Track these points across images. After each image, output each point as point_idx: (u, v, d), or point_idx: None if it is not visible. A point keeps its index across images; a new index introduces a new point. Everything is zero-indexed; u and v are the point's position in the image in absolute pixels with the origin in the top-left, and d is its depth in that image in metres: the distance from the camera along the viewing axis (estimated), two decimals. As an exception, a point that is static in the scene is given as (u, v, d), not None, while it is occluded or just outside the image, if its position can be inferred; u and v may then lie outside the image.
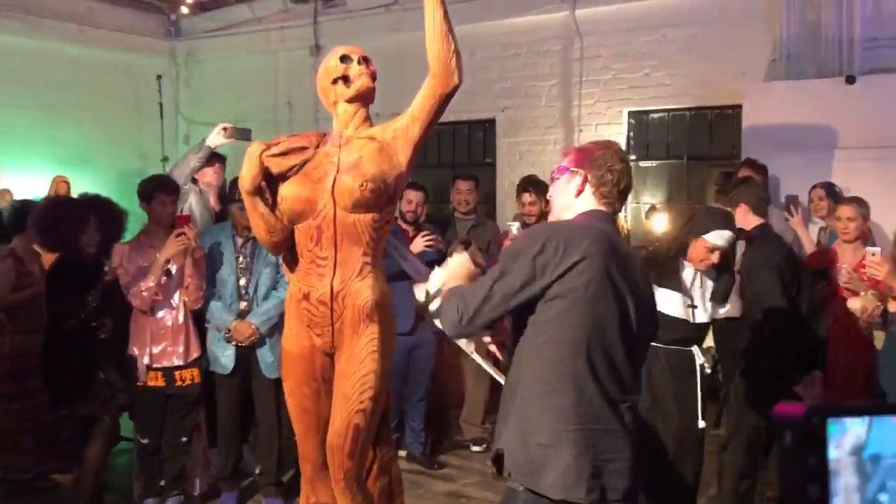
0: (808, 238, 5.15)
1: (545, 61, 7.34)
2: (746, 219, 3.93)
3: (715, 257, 3.45)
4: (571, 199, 2.41)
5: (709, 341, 4.07)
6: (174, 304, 4.32)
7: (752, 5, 6.33)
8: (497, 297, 2.22)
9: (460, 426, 5.78)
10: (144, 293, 4.19)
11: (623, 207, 2.64)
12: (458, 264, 2.47)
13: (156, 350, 4.28)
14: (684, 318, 3.54)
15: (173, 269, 4.25)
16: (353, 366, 2.86)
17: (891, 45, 5.80)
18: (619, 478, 2.21)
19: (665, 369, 3.57)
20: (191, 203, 5.00)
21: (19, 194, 6.89)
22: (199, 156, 4.80)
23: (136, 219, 4.58)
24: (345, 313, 2.87)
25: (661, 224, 5.56)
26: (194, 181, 5.05)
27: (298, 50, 8.50)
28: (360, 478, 2.95)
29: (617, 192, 2.39)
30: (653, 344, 3.49)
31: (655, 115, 7.06)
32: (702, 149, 6.90)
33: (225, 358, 4.39)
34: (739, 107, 6.17)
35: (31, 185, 7.36)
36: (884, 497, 1.04)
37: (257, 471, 4.74)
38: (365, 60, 2.93)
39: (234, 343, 4.37)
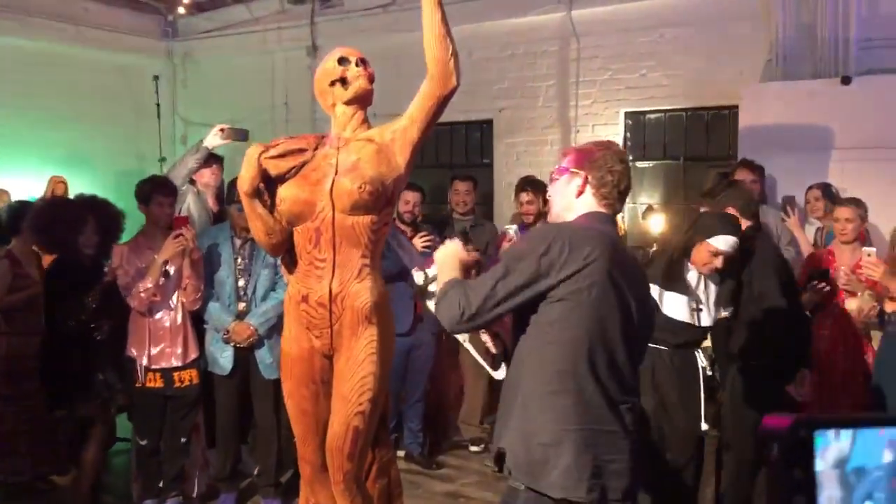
0: (805, 239, 5.16)
1: (542, 62, 7.34)
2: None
3: (718, 262, 3.44)
4: (572, 200, 2.42)
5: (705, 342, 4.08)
6: (172, 306, 4.32)
7: (747, 6, 6.34)
8: (500, 296, 2.23)
9: (458, 426, 5.79)
10: (143, 294, 4.19)
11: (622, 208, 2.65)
12: (450, 250, 2.47)
13: (154, 351, 4.29)
14: (690, 321, 3.54)
15: (171, 270, 4.25)
16: (352, 368, 2.87)
17: (886, 45, 5.81)
18: (619, 478, 2.23)
19: (670, 372, 3.58)
20: (189, 204, 5.00)
21: (16, 195, 6.88)
22: (197, 157, 4.80)
23: (134, 220, 4.58)
24: (343, 315, 2.88)
25: (657, 224, 5.60)
26: (192, 182, 5.06)
27: (295, 50, 8.49)
28: (360, 479, 2.96)
29: (617, 193, 2.40)
30: (658, 347, 3.53)
31: (652, 116, 7.07)
32: (698, 149, 6.90)
33: (223, 359, 4.40)
34: (736, 107, 6.18)
35: (28, 185, 7.35)
36: None
37: (256, 471, 4.75)
38: (363, 62, 2.94)
39: (232, 344, 4.38)
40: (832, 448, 1.02)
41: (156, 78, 8.60)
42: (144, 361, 4.27)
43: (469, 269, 2.48)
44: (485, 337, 2.60)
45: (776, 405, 4.53)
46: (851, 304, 4.27)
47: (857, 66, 5.77)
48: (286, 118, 8.58)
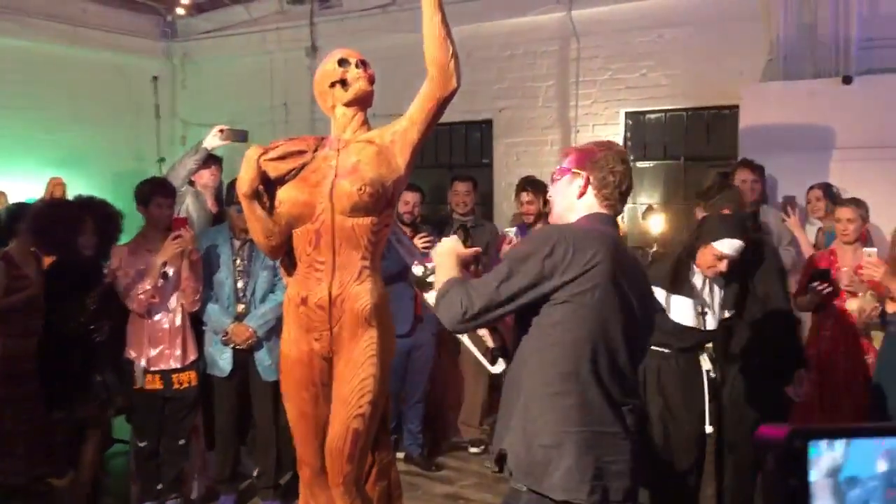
0: (805, 239, 5.15)
1: (542, 62, 7.33)
2: None
3: (723, 265, 3.43)
4: (573, 201, 2.41)
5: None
6: (171, 307, 4.31)
7: (748, 6, 6.33)
8: (503, 297, 2.22)
9: (458, 427, 5.78)
10: (141, 296, 4.18)
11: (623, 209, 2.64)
12: (447, 247, 2.45)
13: (153, 353, 4.28)
14: (696, 325, 3.53)
15: (170, 271, 4.24)
16: (352, 370, 2.86)
17: (887, 45, 5.80)
18: (620, 478, 2.23)
19: (675, 375, 3.57)
20: (188, 205, 5.00)
21: (14, 197, 6.86)
22: (196, 158, 4.79)
23: (133, 220, 4.57)
24: (343, 317, 2.87)
25: (657, 224, 5.59)
26: (191, 183, 5.05)
27: (295, 51, 8.47)
28: (359, 482, 2.95)
29: (619, 193, 2.39)
30: (663, 350, 3.52)
31: (652, 116, 7.06)
32: (699, 149, 6.89)
33: (223, 361, 4.39)
34: (736, 107, 6.16)
35: (27, 187, 7.33)
36: None
37: (255, 473, 4.74)
38: (363, 64, 2.93)
39: (231, 346, 4.37)
40: (825, 457, 1.02)
41: (155, 79, 8.60)
42: (143, 363, 4.26)
43: (468, 265, 2.47)
44: (482, 332, 2.59)
45: (776, 405, 4.54)
46: (852, 305, 4.26)
47: (857, 66, 5.76)
48: (285, 119, 8.57)
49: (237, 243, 4.43)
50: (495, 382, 5.44)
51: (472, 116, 7.44)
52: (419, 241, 4.91)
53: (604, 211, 2.39)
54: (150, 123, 8.49)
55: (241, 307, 4.39)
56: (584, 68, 7.11)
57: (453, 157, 8.10)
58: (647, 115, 7.07)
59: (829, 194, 5.12)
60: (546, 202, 5.33)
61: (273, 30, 8.62)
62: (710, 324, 3.58)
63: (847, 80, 5.58)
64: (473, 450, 5.58)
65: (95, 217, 4.29)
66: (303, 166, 2.90)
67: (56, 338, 4.20)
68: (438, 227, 5.68)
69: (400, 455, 5.11)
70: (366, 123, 2.97)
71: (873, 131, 5.44)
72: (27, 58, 8.02)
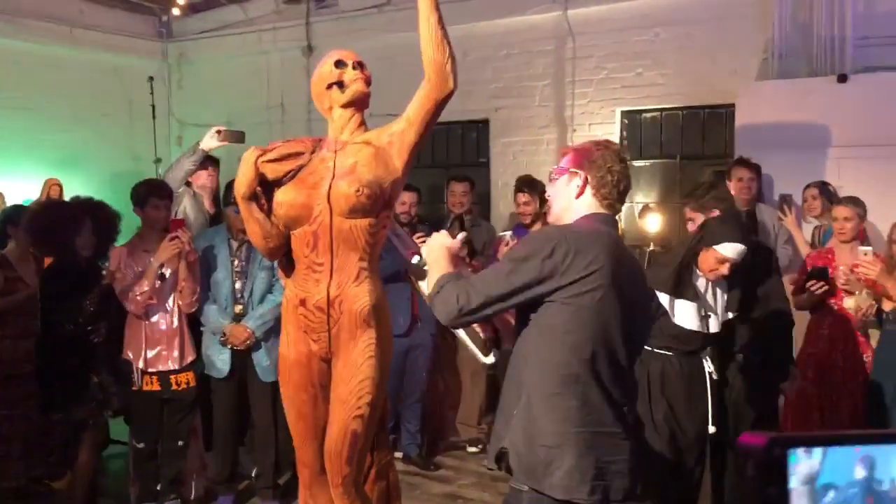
0: (802, 237, 5.17)
1: (538, 61, 7.33)
2: None
3: (725, 269, 3.43)
4: (572, 201, 2.42)
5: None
6: (169, 308, 4.31)
7: (743, 4, 6.34)
8: (498, 295, 2.24)
9: (456, 427, 5.79)
10: (139, 297, 4.18)
11: (621, 208, 2.64)
12: (437, 242, 2.46)
13: (151, 354, 4.28)
14: (700, 329, 3.52)
15: (167, 272, 4.24)
16: (351, 371, 2.86)
17: (882, 43, 5.82)
18: (621, 478, 2.24)
19: (680, 378, 3.55)
20: (185, 206, 5.00)
21: (11, 198, 6.85)
22: (193, 159, 4.78)
23: (130, 221, 4.57)
24: (342, 319, 2.87)
25: (654, 223, 5.59)
26: (188, 184, 5.05)
27: (291, 51, 8.47)
28: (359, 483, 2.95)
29: (617, 193, 2.40)
30: (667, 353, 3.51)
31: (648, 115, 7.06)
32: (695, 148, 6.90)
33: (221, 362, 4.39)
34: (732, 106, 6.17)
35: (23, 188, 7.33)
36: None
37: (254, 473, 4.74)
38: (359, 65, 2.93)
39: (229, 347, 4.37)
40: (802, 465, 1.03)
41: (151, 79, 8.56)
42: (141, 364, 4.26)
43: (460, 255, 2.48)
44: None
45: (773, 402, 4.56)
46: (849, 303, 4.27)
47: (853, 64, 5.77)
48: (282, 119, 8.56)
49: (235, 244, 4.43)
50: (493, 382, 5.47)
51: (469, 116, 7.43)
52: (417, 241, 4.91)
53: (603, 210, 2.40)
54: (147, 124, 8.45)
55: (238, 308, 4.40)
56: (579, 67, 7.12)
57: (450, 156, 8.10)
58: (643, 114, 7.08)
59: (826, 192, 5.13)
60: (542, 203, 5.34)
61: (269, 29, 8.61)
62: (714, 327, 3.57)
63: (842, 78, 5.60)
64: (471, 449, 5.59)
65: (94, 218, 4.29)
66: (300, 168, 2.90)
67: (54, 339, 4.19)
68: (436, 227, 5.68)
69: (398, 455, 5.11)
70: (363, 125, 2.97)
71: (869, 129, 5.45)
72: (23, 59, 8.00)
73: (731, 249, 3.39)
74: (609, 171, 2.37)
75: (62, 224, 4.20)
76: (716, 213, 3.85)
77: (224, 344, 4.37)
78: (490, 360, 2.65)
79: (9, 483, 4.32)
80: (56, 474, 4.54)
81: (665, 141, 7.04)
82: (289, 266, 3.01)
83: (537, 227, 5.34)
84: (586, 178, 2.39)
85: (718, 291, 3.59)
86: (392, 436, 5.01)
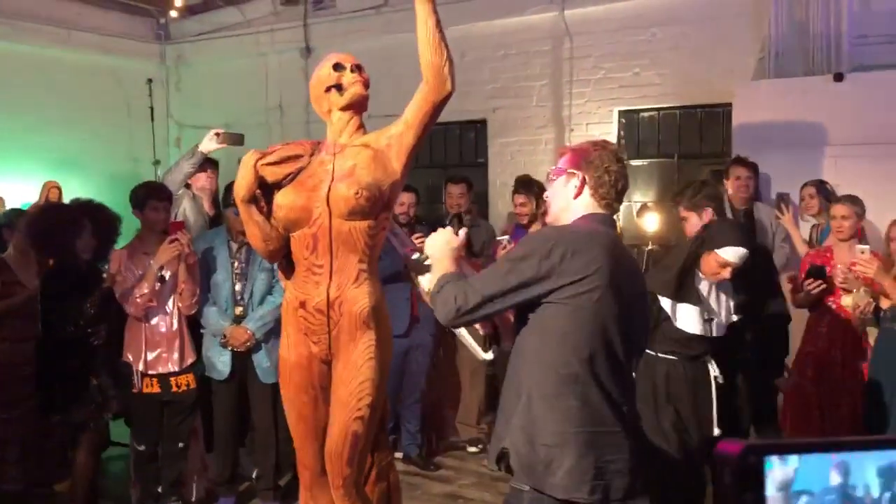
0: (799, 236, 5.18)
1: (535, 62, 7.35)
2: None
3: (726, 273, 3.42)
4: (570, 201, 2.43)
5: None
6: (169, 311, 4.32)
7: (740, 4, 6.36)
8: (496, 296, 2.25)
9: (456, 427, 5.80)
10: (139, 300, 4.19)
11: (619, 208, 2.65)
12: (441, 239, 2.47)
13: (151, 356, 4.29)
14: (703, 333, 3.51)
15: (167, 275, 4.25)
16: (351, 373, 2.87)
17: (878, 41, 5.84)
18: (621, 477, 2.26)
19: (684, 383, 3.54)
20: (184, 208, 5.01)
21: (10, 201, 6.87)
22: (192, 161, 4.79)
23: (129, 223, 4.58)
24: (341, 321, 2.88)
25: (652, 223, 5.61)
26: (188, 186, 5.06)
27: (289, 52, 8.49)
28: (359, 484, 2.96)
29: (615, 192, 2.42)
30: (671, 357, 3.51)
31: (646, 114, 7.08)
32: (692, 147, 6.92)
33: (221, 363, 4.40)
34: (729, 105, 6.19)
35: (22, 191, 7.34)
36: None
37: (254, 475, 4.75)
38: (358, 68, 2.94)
39: (229, 348, 4.38)
40: (777, 471, 1.04)
41: (149, 81, 8.59)
42: (141, 367, 4.26)
43: (461, 253, 2.49)
44: None
45: (772, 402, 4.59)
46: (847, 301, 4.28)
47: (849, 63, 5.79)
48: (280, 120, 8.58)
49: (235, 246, 4.44)
50: (493, 382, 5.48)
51: (467, 116, 7.45)
52: (415, 241, 4.91)
53: (601, 210, 2.42)
54: (145, 126, 8.48)
55: (239, 310, 4.41)
56: (577, 67, 7.13)
57: (448, 156, 8.11)
58: (641, 114, 7.10)
59: (823, 191, 5.14)
60: (538, 203, 5.36)
61: (267, 31, 8.62)
62: (718, 330, 3.56)
63: (839, 77, 5.61)
64: (471, 449, 5.60)
65: (94, 220, 4.30)
66: (299, 171, 2.91)
67: (54, 341, 4.20)
68: (434, 227, 5.68)
69: (398, 455, 5.12)
70: (362, 127, 2.98)
71: (865, 128, 5.47)
72: (21, 61, 8.01)
73: (732, 253, 3.38)
74: (607, 171, 2.39)
75: (62, 226, 4.20)
76: (709, 211, 3.86)
77: (224, 346, 4.38)
78: (489, 356, 2.66)
79: (7, 486, 4.33)
80: (54, 477, 4.54)
81: (662, 140, 7.06)
82: (288, 268, 3.02)
83: (535, 227, 5.35)
84: (584, 179, 2.40)
85: (722, 295, 3.58)
86: (392, 436, 5.03)
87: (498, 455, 2.34)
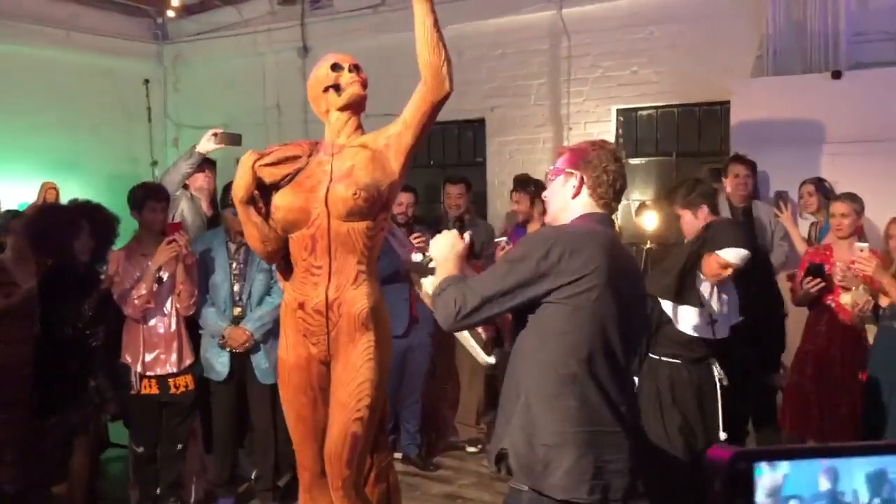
0: (798, 234, 5.17)
1: (533, 60, 7.34)
2: (708, 219, 3.92)
3: (727, 274, 3.42)
4: (568, 201, 2.43)
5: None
6: (167, 312, 4.31)
7: (737, 2, 6.35)
8: (496, 297, 2.25)
9: (455, 427, 5.79)
10: (136, 301, 4.18)
11: (618, 207, 2.65)
12: (446, 242, 2.46)
13: (149, 358, 4.28)
14: (706, 335, 3.50)
15: (165, 276, 4.24)
16: (350, 374, 2.87)
17: (876, 39, 5.84)
18: (620, 477, 2.25)
19: (689, 387, 3.52)
20: (182, 209, 5.00)
21: (7, 202, 6.85)
22: (190, 162, 4.78)
23: (127, 224, 4.57)
24: (340, 322, 2.88)
25: (650, 221, 5.60)
26: (185, 187, 5.05)
27: (286, 52, 8.48)
28: (359, 485, 2.96)
29: (613, 192, 2.42)
30: (675, 361, 3.49)
31: (644, 113, 7.08)
32: (691, 145, 6.92)
33: (220, 364, 4.40)
34: (727, 103, 6.19)
35: (20, 192, 7.33)
36: None
37: (253, 476, 4.75)
38: (356, 68, 2.94)
39: (228, 349, 4.37)
40: (766, 477, 1.04)
41: (146, 81, 8.58)
42: (139, 368, 4.26)
43: (466, 257, 2.48)
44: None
45: (772, 401, 4.59)
46: (846, 299, 4.28)
47: (847, 61, 5.79)
48: (278, 120, 8.57)
49: (233, 247, 4.44)
50: (492, 382, 5.48)
51: (465, 115, 7.45)
52: (413, 241, 4.91)
53: (599, 210, 2.42)
54: (143, 126, 8.47)
55: (237, 310, 4.40)
56: (575, 66, 7.13)
57: (446, 156, 8.11)
58: (639, 112, 7.10)
59: (821, 189, 5.13)
60: (533, 202, 5.36)
61: (264, 31, 8.61)
62: (721, 332, 3.54)
63: (837, 74, 5.61)
64: (471, 449, 5.60)
65: (91, 221, 4.29)
66: (298, 171, 2.91)
67: (53, 343, 4.19)
68: (432, 227, 5.68)
69: (397, 455, 5.12)
70: (360, 128, 2.98)
71: (863, 125, 5.46)
72: (18, 62, 7.99)
73: (734, 254, 3.37)
74: (605, 170, 2.39)
75: (60, 227, 4.20)
76: (704, 208, 3.86)
77: (223, 347, 4.37)
78: (491, 360, 2.65)
79: (4, 488, 4.32)
80: (53, 479, 4.52)
81: (661, 138, 7.05)
82: (287, 269, 3.01)
83: (534, 226, 5.35)
84: (582, 179, 2.40)
85: (724, 295, 3.56)
86: (391, 436, 5.02)
87: (497, 456, 2.34)
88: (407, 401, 5.34)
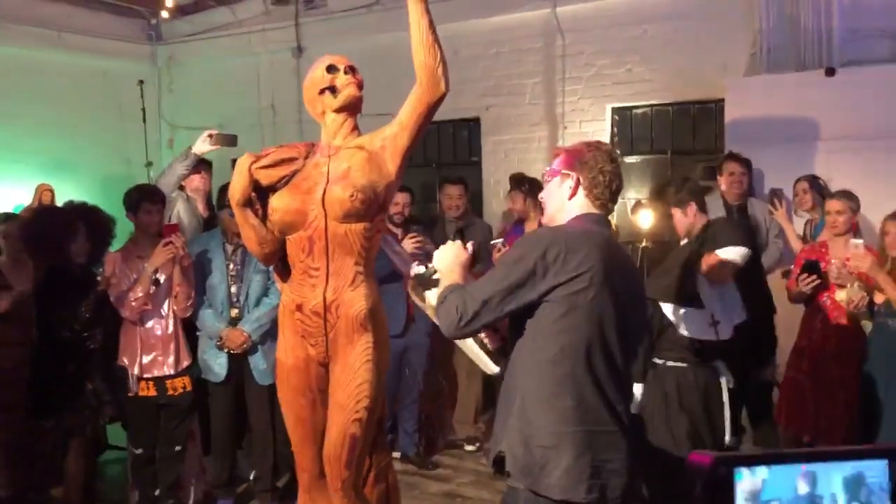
0: (793, 231, 5.19)
1: (528, 59, 7.34)
2: (696, 217, 3.94)
3: (728, 273, 3.42)
4: (564, 202, 2.44)
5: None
6: (164, 314, 4.31)
7: (730, -1, 6.38)
8: (496, 301, 2.25)
9: (453, 426, 5.80)
10: (134, 303, 4.18)
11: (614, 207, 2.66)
12: (450, 252, 2.47)
13: (146, 360, 4.28)
14: (709, 337, 3.49)
15: (162, 278, 4.24)
16: (348, 375, 2.87)
17: (869, 36, 5.84)
18: (618, 476, 2.26)
19: (695, 390, 3.52)
20: (178, 210, 5.00)
21: (2, 204, 6.83)
22: (186, 163, 4.78)
23: (123, 226, 4.57)
24: (338, 323, 2.88)
25: (646, 219, 5.62)
26: (181, 188, 5.04)
27: (281, 52, 8.46)
28: (358, 486, 2.97)
29: (609, 193, 2.43)
30: (681, 364, 3.49)
31: (638, 111, 7.08)
32: (685, 143, 6.92)
33: (217, 366, 4.40)
34: (722, 101, 6.20)
35: (15, 194, 7.31)
36: None
37: (252, 477, 4.75)
38: (351, 69, 2.94)
39: (226, 351, 4.37)
40: (746, 482, 1.06)
41: (141, 82, 8.53)
42: (136, 370, 4.25)
43: (470, 267, 2.49)
44: (481, 334, 2.60)
45: (768, 398, 4.60)
46: (841, 296, 4.29)
47: (840, 58, 5.79)
48: (273, 120, 8.55)
49: (230, 248, 4.44)
50: (489, 380, 5.49)
51: (460, 114, 7.44)
52: (410, 241, 4.92)
53: (595, 211, 2.43)
54: (137, 127, 8.42)
55: (234, 312, 4.40)
56: (569, 65, 7.13)
57: (441, 155, 8.11)
58: (634, 110, 7.10)
59: (816, 186, 5.15)
60: (526, 201, 5.37)
61: (258, 31, 8.59)
62: (725, 333, 3.53)
63: (830, 71, 5.62)
64: (469, 448, 5.61)
65: (88, 223, 4.29)
66: (294, 173, 2.91)
67: (50, 345, 4.19)
68: (429, 226, 5.69)
69: (396, 455, 5.13)
70: (356, 129, 2.99)
71: (857, 122, 5.48)
72: (12, 64, 7.96)
73: (734, 253, 3.37)
74: (601, 171, 2.40)
75: (56, 230, 4.19)
76: (692, 206, 3.87)
77: (220, 348, 4.38)
78: (497, 370, 2.64)
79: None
80: (49, 482, 4.52)
81: (656, 137, 7.06)
82: (284, 271, 3.02)
83: (531, 224, 5.36)
84: (578, 180, 2.41)
85: (726, 296, 3.56)
86: (389, 436, 5.03)
87: (495, 458, 2.34)
88: (405, 400, 5.35)
